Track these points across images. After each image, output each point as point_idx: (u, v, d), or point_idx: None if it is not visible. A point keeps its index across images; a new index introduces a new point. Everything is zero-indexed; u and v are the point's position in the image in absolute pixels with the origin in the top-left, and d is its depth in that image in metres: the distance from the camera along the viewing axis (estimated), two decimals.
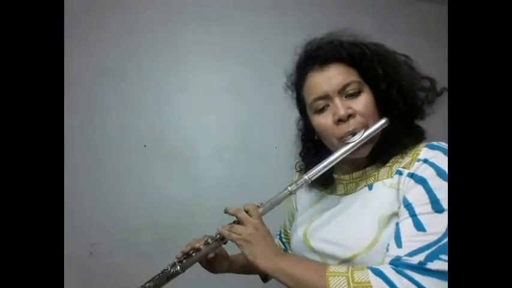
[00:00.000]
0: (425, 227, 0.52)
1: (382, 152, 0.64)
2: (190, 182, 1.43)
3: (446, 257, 0.49)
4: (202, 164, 1.45)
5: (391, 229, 0.57)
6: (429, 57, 0.72)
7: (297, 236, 0.73)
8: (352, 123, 0.61)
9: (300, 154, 0.79)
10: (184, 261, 0.70)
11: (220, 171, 1.46)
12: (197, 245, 0.69)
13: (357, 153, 0.63)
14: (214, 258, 0.78)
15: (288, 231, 0.88)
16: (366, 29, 0.66)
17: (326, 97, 0.63)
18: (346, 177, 0.69)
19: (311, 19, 1.54)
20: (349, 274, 0.53)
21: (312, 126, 0.68)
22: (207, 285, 1.03)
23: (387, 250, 0.55)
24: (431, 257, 0.50)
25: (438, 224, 0.51)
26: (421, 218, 0.53)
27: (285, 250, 0.90)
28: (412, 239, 0.52)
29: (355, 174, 0.68)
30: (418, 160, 0.58)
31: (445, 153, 0.56)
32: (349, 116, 0.61)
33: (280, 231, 0.93)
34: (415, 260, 0.50)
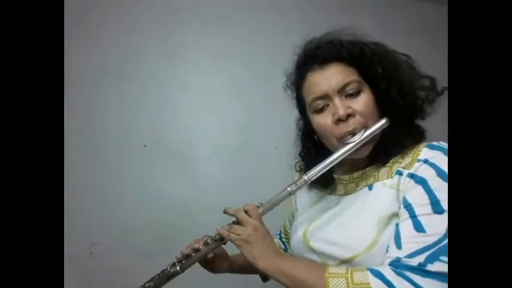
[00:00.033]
0: (425, 228, 0.52)
1: (382, 152, 0.64)
2: (190, 182, 1.43)
3: (446, 259, 0.49)
4: (202, 164, 1.45)
5: (391, 230, 0.57)
6: (429, 57, 0.72)
7: (297, 236, 0.73)
8: (351, 123, 0.61)
9: (300, 154, 0.79)
10: (183, 261, 0.70)
11: (220, 171, 1.46)
12: (196, 246, 0.69)
13: (357, 154, 0.62)
14: (213, 258, 0.77)
15: (288, 231, 0.87)
16: (366, 29, 0.66)
17: (325, 97, 0.63)
18: (346, 177, 0.69)
19: (311, 19, 1.54)
20: (349, 275, 0.52)
21: (311, 126, 0.68)
22: (207, 285, 1.03)
23: (387, 251, 0.55)
24: (431, 259, 0.49)
25: (438, 225, 0.51)
26: (421, 219, 0.53)
27: (285, 250, 0.90)
28: (411, 240, 0.52)
29: (355, 174, 0.68)
30: (419, 160, 0.58)
31: (445, 154, 0.56)
32: (349, 115, 0.61)
33: (280, 231, 0.93)
34: (415, 261, 0.50)
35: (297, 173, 0.82)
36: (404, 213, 0.55)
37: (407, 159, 0.60)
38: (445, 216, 0.51)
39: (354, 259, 0.58)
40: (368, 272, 0.52)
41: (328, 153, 0.64)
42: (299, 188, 0.64)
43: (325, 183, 0.72)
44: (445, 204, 0.52)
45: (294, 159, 0.81)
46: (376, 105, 0.63)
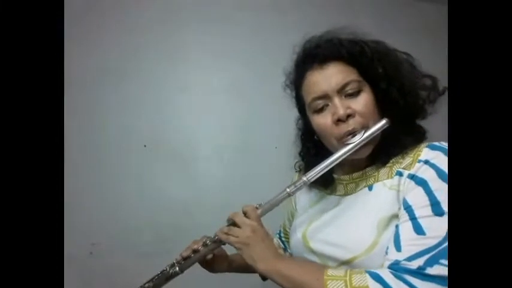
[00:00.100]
0: (425, 230, 0.51)
1: (382, 152, 0.64)
2: (190, 182, 1.42)
3: (446, 262, 0.48)
4: (202, 164, 1.45)
5: (390, 231, 0.56)
6: (429, 57, 0.71)
7: (296, 237, 0.73)
8: (351, 123, 0.60)
9: (300, 154, 0.79)
10: (183, 262, 0.69)
11: (220, 171, 1.46)
12: (195, 247, 0.69)
13: (357, 154, 0.62)
14: (213, 259, 0.77)
15: (288, 230, 0.87)
16: (366, 29, 0.65)
17: (325, 97, 0.62)
18: (346, 177, 0.69)
19: (311, 19, 1.53)
20: (347, 278, 0.52)
21: (311, 126, 0.68)
22: (206, 285, 1.03)
23: (386, 253, 0.54)
24: (430, 262, 0.49)
25: (438, 228, 0.51)
26: (420, 221, 0.52)
27: (285, 249, 0.90)
28: (411, 243, 0.52)
29: (355, 175, 0.68)
30: (419, 161, 0.57)
31: (446, 154, 0.56)
32: (349, 116, 0.60)
33: (280, 231, 0.93)
34: (414, 264, 0.49)
35: (297, 173, 0.81)
36: (404, 215, 0.55)
37: (408, 160, 0.60)
38: (446, 218, 0.50)
39: (353, 260, 0.58)
40: (367, 275, 0.51)
41: (328, 153, 0.64)
42: (298, 189, 0.64)
43: (325, 184, 0.72)
44: (445, 206, 0.51)
45: (294, 159, 0.81)
46: (377, 105, 0.63)
